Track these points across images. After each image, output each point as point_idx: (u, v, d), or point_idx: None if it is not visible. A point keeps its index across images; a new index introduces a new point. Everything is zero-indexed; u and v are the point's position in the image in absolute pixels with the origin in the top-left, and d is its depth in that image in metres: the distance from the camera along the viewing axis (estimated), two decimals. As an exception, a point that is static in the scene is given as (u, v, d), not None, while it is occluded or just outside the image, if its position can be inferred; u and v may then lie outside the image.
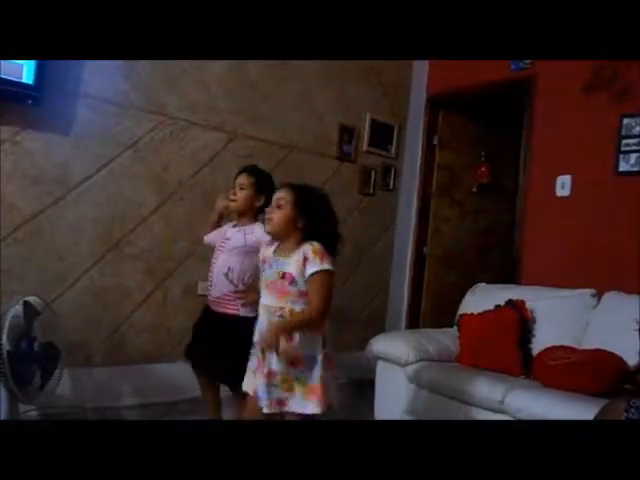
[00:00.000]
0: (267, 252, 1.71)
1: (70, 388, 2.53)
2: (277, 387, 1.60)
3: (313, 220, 1.65)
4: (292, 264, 1.61)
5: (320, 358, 1.60)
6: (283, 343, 1.52)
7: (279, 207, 1.66)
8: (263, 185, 2.21)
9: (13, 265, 2.42)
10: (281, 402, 1.61)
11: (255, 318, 1.74)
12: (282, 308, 1.61)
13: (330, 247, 1.64)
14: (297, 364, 1.59)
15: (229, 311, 2.14)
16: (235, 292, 2.13)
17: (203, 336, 2.26)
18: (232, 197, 2.24)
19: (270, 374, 1.60)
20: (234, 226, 2.26)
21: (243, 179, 2.23)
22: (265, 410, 1.61)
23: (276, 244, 1.71)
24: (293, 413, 1.60)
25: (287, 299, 1.61)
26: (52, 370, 2.12)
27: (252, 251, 2.10)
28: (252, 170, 2.27)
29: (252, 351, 1.72)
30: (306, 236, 1.64)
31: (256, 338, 1.67)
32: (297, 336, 1.58)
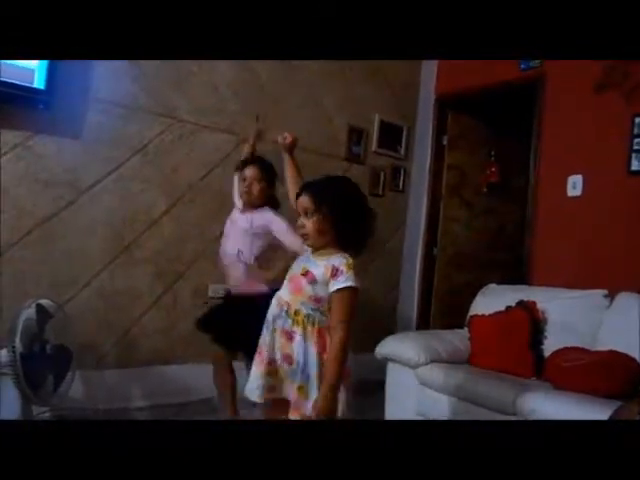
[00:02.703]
0: (306, 247, 1.67)
1: (82, 390, 2.54)
2: (271, 375, 1.59)
3: (345, 222, 1.57)
4: (320, 267, 1.55)
5: (313, 373, 1.54)
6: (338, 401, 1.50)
7: (306, 215, 1.58)
8: (270, 175, 2.32)
9: (25, 268, 2.44)
10: (273, 389, 1.60)
11: (271, 294, 1.73)
12: (289, 304, 1.57)
13: (363, 243, 1.60)
14: (290, 363, 1.56)
15: (249, 290, 2.22)
16: (251, 273, 2.23)
17: (221, 310, 2.37)
18: (245, 190, 2.30)
19: (269, 363, 1.59)
20: (241, 212, 2.34)
21: (254, 172, 2.30)
22: (257, 399, 1.61)
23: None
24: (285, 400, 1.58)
25: (298, 298, 1.57)
26: (64, 372, 2.14)
27: (259, 233, 2.23)
28: (263, 162, 2.35)
29: (262, 333, 1.66)
30: (341, 238, 1.58)
31: (269, 318, 1.63)
32: (298, 338, 1.55)
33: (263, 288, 2.16)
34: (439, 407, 2.46)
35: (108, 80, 2.66)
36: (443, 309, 4.04)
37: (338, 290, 1.51)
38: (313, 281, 1.54)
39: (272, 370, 1.59)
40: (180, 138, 2.91)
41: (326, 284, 1.53)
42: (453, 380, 2.42)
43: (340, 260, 1.53)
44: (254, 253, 2.25)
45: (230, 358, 2.35)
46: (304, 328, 1.55)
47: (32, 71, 2.31)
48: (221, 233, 3.00)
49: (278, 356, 1.59)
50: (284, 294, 1.61)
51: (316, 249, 1.62)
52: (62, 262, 2.55)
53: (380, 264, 3.82)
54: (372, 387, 3.17)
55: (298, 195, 1.62)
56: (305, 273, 1.56)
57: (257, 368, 1.63)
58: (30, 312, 2.07)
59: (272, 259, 2.24)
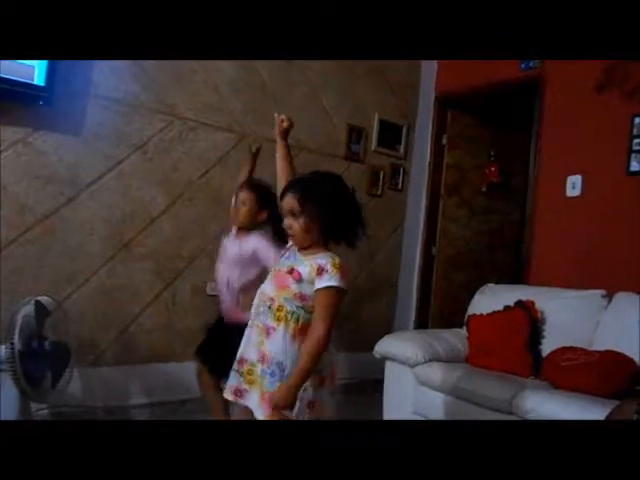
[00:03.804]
0: (291, 246, 1.64)
1: (80, 387, 2.55)
2: (242, 376, 1.56)
3: (331, 221, 1.54)
4: (306, 265, 1.52)
5: (291, 369, 1.49)
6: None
7: (293, 215, 1.54)
8: (264, 200, 2.23)
9: (24, 265, 2.44)
10: (239, 393, 1.56)
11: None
12: (272, 300, 1.53)
13: (355, 238, 1.57)
14: (264, 362, 1.52)
15: (234, 320, 2.15)
16: (238, 304, 2.17)
17: (214, 340, 2.32)
18: (234, 213, 2.28)
19: (241, 361, 1.57)
20: (234, 237, 2.30)
21: (244, 195, 2.26)
22: (225, 395, 1.60)
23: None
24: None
25: (282, 294, 1.52)
26: (63, 369, 2.14)
27: (248, 261, 2.16)
28: (252, 186, 2.30)
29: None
30: (329, 237, 1.56)
31: (253, 314, 1.60)
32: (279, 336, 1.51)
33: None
34: (437, 406, 2.46)
35: (108, 77, 2.65)
36: (441, 308, 4.05)
37: (322, 288, 1.48)
38: (299, 279, 1.51)
39: (242, 371, 1.56)
40: (180, 136, 2.91)
41: (312, 282, 1.50)
42: (451, 379, 2.43)
43: (327, 259, 1.50)
44: (244, 281, 2.18)
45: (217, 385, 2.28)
46: (286, 324, 1.51)
47: (32, 68, 2.30)
48: (221, 231, 3.02)
49: (253, 355, 1.54)
50: (268, 289, 1.57)
51: (303, 248, 1.59)
52: (61, 259, 2.55)
53: (379, 263, 3.82)
54: (370, 386, 3.18)
55: (282, 195, 1.58)
56: (291, 271, 1.53)
57: (234, 364, 1.61)
58: (29, 309, 2.06)
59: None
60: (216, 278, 2.32)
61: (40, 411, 2.34)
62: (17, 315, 2.02)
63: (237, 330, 2.17)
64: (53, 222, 2.53)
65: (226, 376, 2.23)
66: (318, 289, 1.48)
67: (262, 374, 1.52)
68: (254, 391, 1.53)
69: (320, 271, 1.49)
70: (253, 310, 1.60)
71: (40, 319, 2.08)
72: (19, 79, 2.26)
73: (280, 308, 1.52)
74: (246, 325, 1.99)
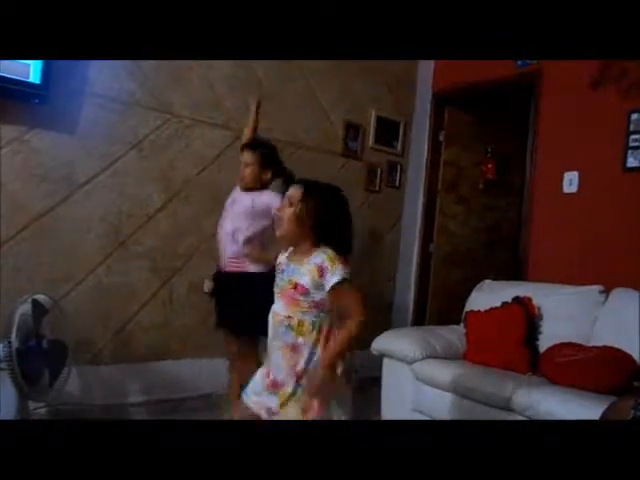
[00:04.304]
0: (281, 257, 1.63)
1: (78, 385, 2.54)
2: (275, 396, 1.54)
3: (326, 221, 1.55)
4: (305, 274, 1.51)
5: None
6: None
7: (290, 205, 1.56)
8: (268, 159, 2.33)
9: (21, 263, 2.43)
10: (270, 411, 1.55)
11: (265, 274, 1.70)
12: (290, 317, 1.52)
13: (343, 251, 1.55)
14: (301, 378, 1.51)
15: (238, 269, 2.23)
16: (243, 253, 2.23)
17: (221, 297, 2.40)
18: (240, 175, 2.34)
19: (274, 384, 1.55)
20: (243, 191, 2.35)
21: (247, 157, 2.31)
22: (250, 405, 1.59)
23: (290, 250, 1.62)
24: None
25: (297, 309, 1.52)
26: (60, 368, 2.14)
27: (260, 213, 2.24)
28: (255, 146, 2.33)
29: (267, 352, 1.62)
30: (319, 238, 1.55)
31: (269, 337, 1.59)
32: (305, 349, 1.52)
33: (257, 268, 2.19)
34: (435, 403, 2.47)
35: (104, 75, 2.64)
36: (439, 305, 4.05)
37: (333, 287, 1.48)
38: (305, 292, 1.50)
39: (278, 391, 1.54)
40: (176, 133, 2.90)
41: (318, 286, 1.49)
42: (449, 376, 2.43)
43: (320, 256, 1.50)
44: (251, 232, 2.25)
45: (240, 347, 2.32)
46: (310, 336, 1.51)
47: (28, 66, 2.29)
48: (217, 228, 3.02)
49: (288, 378, 1.53)
50: (280, 309, 1.56)
51: (292, 248, 1.59)
52: (58, 257, 2.55)
53: (376, 260, 3.82)
54: (368, 383, 3.18)
55: (288, 187, 1.62)
56: (295, 286, 1.52)
57: (262, 384, 1.59)
58: (26, 307, 2.06)
59: (270, 240, 2.24)
60: (220, 231, 2.37)
61: (38, 409, 2.33)
62: (14, 313, 2.02)
63: (238, 279, 2.22)
64: (49, 220, 2.52)
65: (245, 330, 2.22)
66: (330, 289, 1.48)
67: (296, 390, 1.52)
68: (290, 411, 1.52)
69: (321, 271, 1.49)
70: (270, 333, 1.58)
71: (37, 317, 2.07)
72: (14, 77, 2.25)
73: (301, 323, 1.51)
74: (245, 273, 2.05)
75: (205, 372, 2.94)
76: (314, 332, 1.51)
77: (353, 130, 3.66)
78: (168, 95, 2.87)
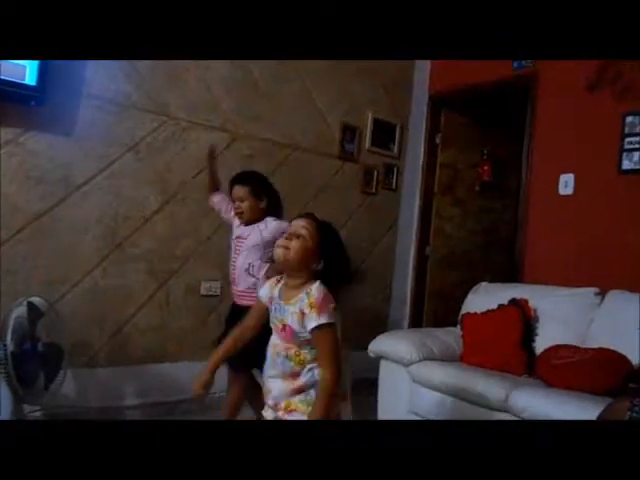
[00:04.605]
0: (274, 291, 1.60)
1: (74, 388, 2.53)
2: (280, 411, 1.54)
3: (331, 260, 1.52)
4: (290, 315, 1.50)
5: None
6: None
7: (298, 237, 1.51)
8: (260, 189, 2.30)
9: (17, 266, 2.43)
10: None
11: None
12: (287, 348, 1.52)
13: (340, 284, 1.55)
14: (301, 392, 1.51)
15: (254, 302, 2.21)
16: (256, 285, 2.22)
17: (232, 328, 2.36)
18: (237, 211, 2.33)
19: (276, 406, 1.55)
20: (246, 225, 2.33)
21: (240, 192, 2.30)
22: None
23: (282, 284, 1.59)
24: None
25: (293, 345, 1.52)
26: (56, 371, 2.13)
27: (268, 244, 2.21)
28: (244, 179, 2.32)
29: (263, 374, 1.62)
30: (317, 274, 1.52)
31: (266, 364, 1.58)
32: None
33: None
34: (431, 405, 2.47)
35: (100, 77, 2.64)
36: (436, 307, 4.06)
37: (311, 331, 1.46)
38: (293, 334, 1.50)
39: (281, 408, 1.54)
40: (173, 136, 2.90)
41: (303, 329, 1.48)
42: (445, 378, 2.43)
43: (304, 300, 1.48)
44: (263, 264, 2.25)
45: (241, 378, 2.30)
46: (309, 363, 1.51)
47: (24, 67, 2.29)
48: (214, 231, 3.02)
49: (286, 396, 1.52)
50: (278, 342, 1.55)
51: (288, 281, 1.56)
52: (54, 259, 2.54)
53: (372, 262, 3.82)
54: (365, 385, 3.18)
55: (296, 217, 1.59)
56: (283, 328, 1.51)
57: (267, 408, 1.59)
58: (21, 310, 2.06)
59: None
60: (233, 267, 2.34)
61: (33, 413, 2.33)
62: (10, 316, 2.01)
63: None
64: (45, 222, 2.51)
65: (251, 365, 2.18)
66: (310, 332, 1.47)
67: (303, 400, 1.51)
68: (298, 413, 1.51)
69: (302, 316, 1.47)
70: (269, 363, 1.57)
71: (33, 320, 2.07)
72: (10, 79, 2.24)
73: (298, 353, 1.51)
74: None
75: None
76: (312, 361, 1.51)
77: (350, 132, 3.66)
78: (164, 97, 2.86)
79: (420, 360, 2.58)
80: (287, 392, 1.53)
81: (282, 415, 1.54)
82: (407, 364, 2.59)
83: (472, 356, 2.66)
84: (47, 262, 2.52)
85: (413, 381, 2.58)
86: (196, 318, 3.00)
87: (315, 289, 1.48)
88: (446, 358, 2.65)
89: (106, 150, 2.68)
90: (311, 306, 1.46)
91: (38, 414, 2.38)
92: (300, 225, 1.53)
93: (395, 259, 4.00)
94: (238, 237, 2.34)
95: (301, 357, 1.51)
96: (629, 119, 2.91)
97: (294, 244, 1.50)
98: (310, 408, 1.49)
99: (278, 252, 1.52)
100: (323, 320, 1.45)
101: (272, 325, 1.58)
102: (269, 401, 1.57)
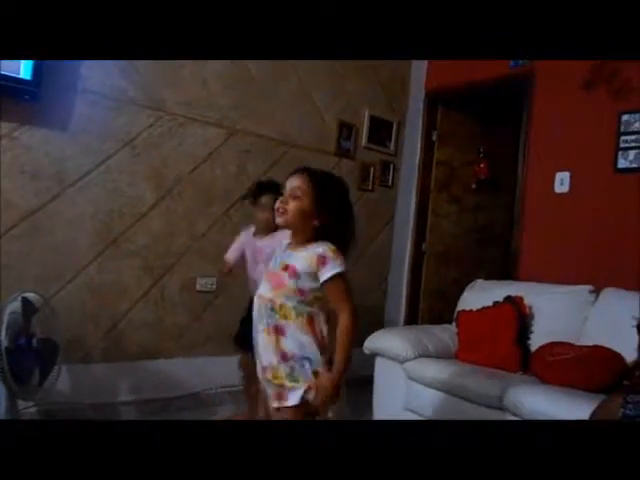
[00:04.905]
0: (282, 246, 1.64)
1: (68, 384, 2.53)
2: (272, 382, 1.55)
3: (332, 218, 1.54)
4: (300, 259, 1.51)
5: (316, 359, 1.52)
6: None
7: (295, 198, 1.52)
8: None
9: (11, 261, 2.41)
10: (280, 396, 1.54)
11: None
12: (272, 301, 1.53)
13: (344, 246, 1.56)
14: (287, 360, 1.52)
15: None
16: None
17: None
18: (264, 220, 2.40)
19: (264, 369, 1.56)
20: (260, 237, 2.43)
21: (269, 201, 2.28)
22: (273, 404, 1.56)
23: (286, 242, 1.62)
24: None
25: (281, 292, 1.52)
26: (50, 366, 2.12)
27: None
28: (271, 188, 2.37)
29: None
30: (321, 233, 1.54)
31: (254, 320, 1.60)
32: (289, 333, 1.52)
33: None
34: (427, 402, 2.48)
35: (96, 71, 2.62)
36: (431, 304, 4.06)
37: (330, 278, 1.48)
38: (295, 274, 1.51)
39: (270, 376, 1.54)
40: (169, 131, 2.88)
41: (312, 275, 1.49)
42: (441, 375, 2.44)
43: (324, 248, 1.50)
44: None
45: None
46: (295, 320, 1.51)
47: (18, 61, 2.27)
48: (209, 227, 3.01)
49: (272, 358, 1.53)
50: (264, 291, 1.56)
51: (294, 240, 1.58)
52: (49, 255, 2.53)
53: (368, 259, 3.82)
54: (360, 382, 3.18)
55: (290, 175, 1.57)
56: (285, 268, 1.53)
57: (259, 373, 1.59)
58: (16, 305, 2.05)
59: None
60: (255, 277, 2.34)
61: (27, 409, 2.32)
62: (4, 312, 2.00)
63: None
64: (40, 218, 2.50)
65: None
66: (326, 280, 1.49)
67: (291, 371, 1.51)
68: (287, 385, 1.52)
69: (322, 260, 1.49)
70: (255, 315, 1.59)
71: (27, 316, 2.06)
72: (5, 73, 2.23)
73: (282, 306, 1.52)
74: None
75: (196, 371, 2.94)
76: (299, 318, 1.52)
77: (346, 129, 3.65)
78: (161, 92, 2.85)
79: (415, 357, 2.58)
80: (272, 353, 1.52)
81: (273, 392, 1.54)
82: (402, 361, 2.60)
83: (467, 353, 2.67)
84: (42, 258, 2.51)
85: (408, 378, 2.58)
86: (191, 314, 2.99)
87: (331, 244, 1.52)
88: (441, 355, 2.65)
89: (101, 145, 2.67)
90: (334, 252, 1.50)
91: (32, 410, 2.38)
92: (295, 186, 1.54)
93: (391, 256, 4.00)
94: (258, 248, 2.41)
95: (285, 311, 1.52)
96: (625, 117, 2.92)
97: (290, 207, 1.52)
98: (293, 384, 1.50)
99: (277, 217, 1.56)
100: (340, 269, 1.49)
101: (267, 273, 1.60)
102: (260, 360, 1.56)
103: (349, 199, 1.62)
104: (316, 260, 1.49)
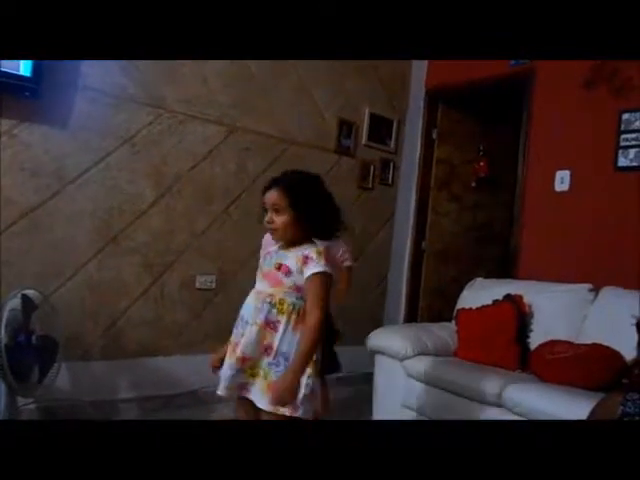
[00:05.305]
0: (273, 248, 1.71)
1: (68, 381, 2.53)
2: (244, 372, 1.58)
3: (316, 217, 1.61)
4: (291, 258, 1.60)
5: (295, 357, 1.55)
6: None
7: (277, 212, 1.60)
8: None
9: (11, 258, 2.41)
10: (243, 387, 1.59)
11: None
12: (272, 295, 1.59)
13: (335, 231, 1.65)
14: (269, 354, 1.56)
15: None
16: None
17: None
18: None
19: (243, 359, 1.58)
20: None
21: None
22: (222, 392, 1.60)
23: (279, 244, 1.69)
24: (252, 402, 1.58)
25: (280, 289, 1.60)
26: (50, 364, 2.13)
27: None
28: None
29: (234, 330, 1.66)
30: (310, 229, 1.62)
31: (244, 314, 1.63)
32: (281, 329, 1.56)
33: None
34: (426, 399, 2.48)
35: (96, 69, 2.62)
36: (431, 302, 4.07)
37: (310, 276, 1.56)
38: (288, 272, 1.59)
39: (246, 367, 1.58)
40: (169, 129, 2.88)
41: (300, 273, 1.58)
42: (440, 373, 2.44)
43: (309, 249, 1.59)
44: None
45: None
46: (289, 317, 1.57)
47: (18, 58, 2.27)
48: (209, 225, 3.01)
49: (255, 351, 1.57)
50: (263, 288, 1.63)
51: (286, 244, 1.66)
52: (48, 252, 2.53)
53: (368, 257, 3.83)
54: (360, 379, 3.20)
55: (266, 190, 1.64)
56: (279, 267, 1.61)
57: (229, 363, 1.61)
58: (15, 302, 2.05)
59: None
60: None
61: (27, 405, 2.32)
62: (3, 309, 2.00)
63: None
64: (39, 215, 2.50)
65: None
66: (307, 278, 1.57)
67: (267, 366, 1.56)
68: (258, 383, 1.57)
69: (305, 260, 1.58)
70: (249, 310, 1.63)
71: (27, 313, 2.06)
72: (5, 70, 2.23)
73: (282, 301, 1.59)
74: None
75: (195, 369, 2.94)
76: (293, 314, 1.58)
77: (346, 127, 3.65)
78: (161, 90, 2.85)
79: (415, 355, 2.59)
80: (258, 348, 1.56)
81: (244, 379, 1.57)
82: (402, 359, 2.60)
83: (467, 351, 2.67)
84: (41, 255, 2.51)
85: (408, 376, 2.59)
86: (191, 312, 3.00)
87: (319, 245, 1.61)
88: (441, 353, 2.66)
89: (101, 143, 2.66)
90: (318, 253, 1.58)
91: (32, 407, 2.38)
92: (273, 202, 1.61)
93: (391, 254, 4.00)
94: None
95: (283, 306, 1.58)
96: (625, 116, 2.91)
97: (278, 223, 1.61)
98: (267, 381, 1.54)
99: (272, 235, 1.67)
100: (327, 269, 1.57)
101: (259, 273, 1.67)
102: (237, 351, 1.58)
103: (326, 191, 1.68)
104: (302, 259, 1.58)
